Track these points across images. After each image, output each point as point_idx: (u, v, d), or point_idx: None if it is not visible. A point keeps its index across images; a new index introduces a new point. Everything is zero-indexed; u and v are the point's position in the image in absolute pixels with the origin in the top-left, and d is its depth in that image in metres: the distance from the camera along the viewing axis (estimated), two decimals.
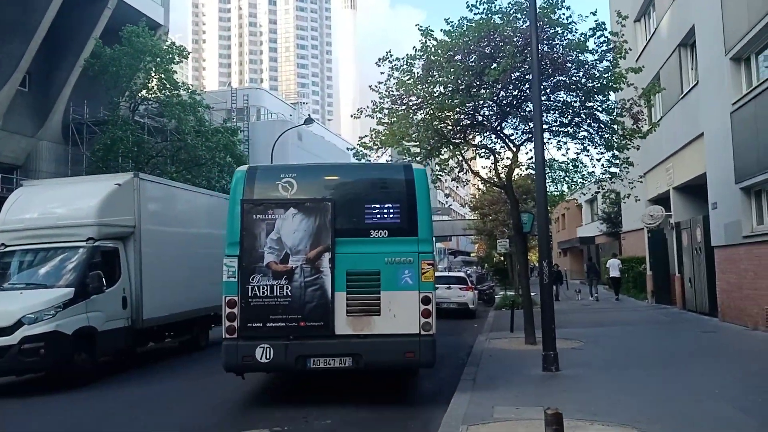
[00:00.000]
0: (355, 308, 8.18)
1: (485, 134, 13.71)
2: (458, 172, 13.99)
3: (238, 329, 8.12)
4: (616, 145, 12.85)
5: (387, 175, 8.84)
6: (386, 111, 12.77)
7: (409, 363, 8.25)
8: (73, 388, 9.71)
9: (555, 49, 12.01)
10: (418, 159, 13.10)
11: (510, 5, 12.17)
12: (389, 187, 8.63)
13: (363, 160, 13.34)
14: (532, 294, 13.94)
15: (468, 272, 29.35)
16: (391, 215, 8.46)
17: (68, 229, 11.02)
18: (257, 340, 8.09)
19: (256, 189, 8.54)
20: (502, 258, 43.11)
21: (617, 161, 13.41)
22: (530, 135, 12.75)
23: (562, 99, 12.55)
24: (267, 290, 8.23)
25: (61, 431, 7.43)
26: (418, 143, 12.84)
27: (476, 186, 23.60)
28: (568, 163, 13.82)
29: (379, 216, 8.46)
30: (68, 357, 9.85)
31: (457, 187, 18.96)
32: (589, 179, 14.52)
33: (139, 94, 25.89)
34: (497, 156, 13.86)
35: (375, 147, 12.94)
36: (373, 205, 8.45)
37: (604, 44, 12.26)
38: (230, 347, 8.14)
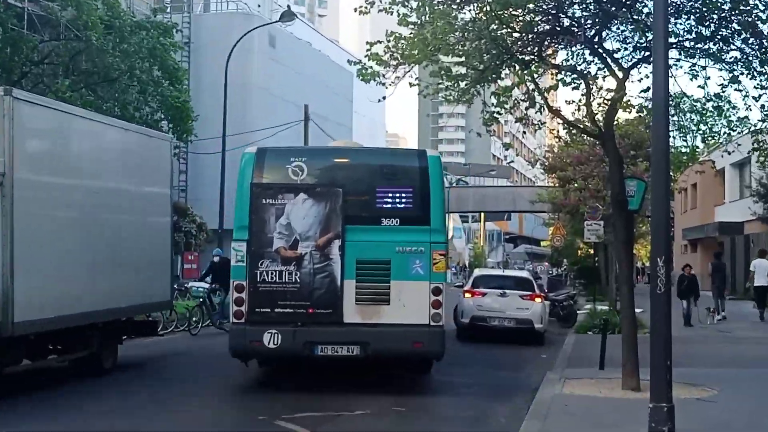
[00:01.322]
0: (364, 297, 12.48)
1: (573, 49, 13.67)
2: (526, 108, 13.99)
3: (246, 314, 12.43)
4: None
5: (400, 161, 13.51)
6: (414, 5, 12.73)
7: (416, 353, 12.80)
8: None
9: None
10: (463, 84, 13.11)
11: None
12: (402, 173, 12.99)
13: (373, 82, 13.43)
14: (637, 311, 13.97)
15: (536, 271, 29.41)
16: (403, 203, 12.69)
17: None
18: (265, 325, 12.36)
19: (266, 172, 12.88)
20: (590, 250, 43.01)
21: None
22: (647, 53, 12.72)
23: None
24: (276, 276, 12.51)
25: None
26: (463, 59, 12.86)
27: (554, 132, 23.47)
28: (707, 101, 13.79)
29: (390, 203, 12.69)
30: None
31: (524, 133, 18.78)
32: (739, 128, 14.39)
33: None
34: (591, 85, 13.82)
35: (393, 63, 13.02)
36: (384, 192, 12.69)
37: None
38: (238, 331, 12.55)
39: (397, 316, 12.48)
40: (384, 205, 12.81)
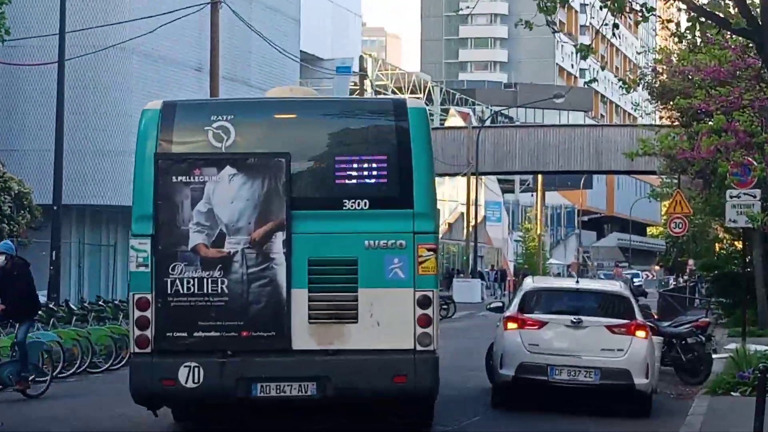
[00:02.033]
0: (322, 312, 15.20)
1: None
2: None
3: (154, 340, 15.06)
4: None
5: (369, 117, 16.23)
6: None
7: (398, 391, 15.32)
8: None
9: None
10: None
11: None
12: (372, 135, 15.79)
13: None
14: None
15: (636, 281, 29.10)
16: (375, 177, 15.34)
17: None
18: (181, 356, 14.98)
19: (176, 137, 15.50)
20: (737, 243, 42.87)
21: None
22: None
23: None
24: (194, 285, 15.07)
25: None
26: None
27: (671, 27, 23.09)
28: None
29: (356, 178, 15.36)
30: None
31: (616, 28, 18.73)
32: None
33: None
34: None
35: None
36: (347, 163, 15.36)
37: None
38: (142, 366, 15.16)
39: (369, 338, 15.22)
40: (347, 181, 15.47)
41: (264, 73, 50.06)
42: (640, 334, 21.44)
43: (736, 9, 14.53)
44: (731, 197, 27.18)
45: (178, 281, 14.92)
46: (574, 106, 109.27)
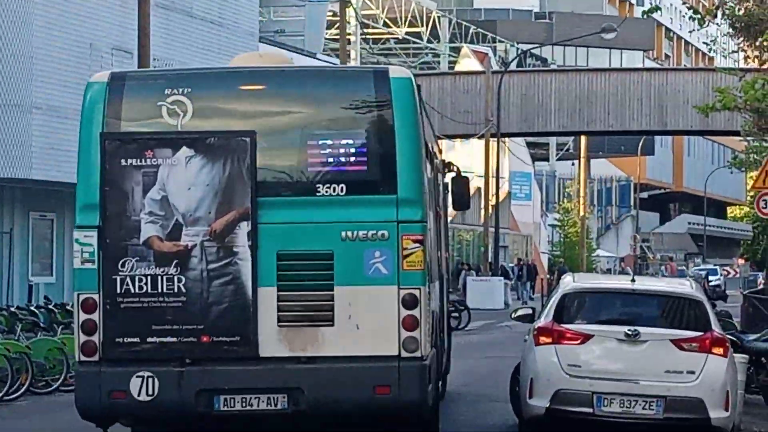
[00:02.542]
0: (293, 314, 16.93)
1: None
2: None
3: (102, 347, 16.85)
4: None
5: (347, 88, 17.92)
6: None
7: (381, 404, 17.11)
8: None
9: None
10: None
11: None
12: (350, 109, 17.41)
13: None
14: None
15: (712, 280, 28.91)
16: (353, 159, 17.13)
17: None
18: (133, 365, 16.76)
19: (125, 113, 17.16)
20: None
21: None
22: None
23: None
24: (147, 284, 16.86)
25: None
26: None
27: None
28: None
29: (332, 159, 17.12)
30: None
31: None
32: None
33: None
34: None
35: None
36: (322, 142, 17.21)
37: None
38: (89, 377, 16.99)
39: (347, 343, 17.03)
40: (321, 163, 17.24)
41: None
42: (718, 351, 21.31)
43: None
44: None
45: (128, 279, 16.64)
46: (630, 43, 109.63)
